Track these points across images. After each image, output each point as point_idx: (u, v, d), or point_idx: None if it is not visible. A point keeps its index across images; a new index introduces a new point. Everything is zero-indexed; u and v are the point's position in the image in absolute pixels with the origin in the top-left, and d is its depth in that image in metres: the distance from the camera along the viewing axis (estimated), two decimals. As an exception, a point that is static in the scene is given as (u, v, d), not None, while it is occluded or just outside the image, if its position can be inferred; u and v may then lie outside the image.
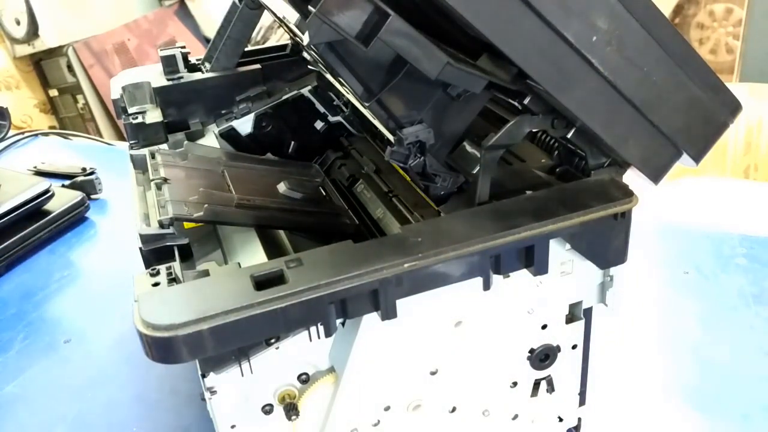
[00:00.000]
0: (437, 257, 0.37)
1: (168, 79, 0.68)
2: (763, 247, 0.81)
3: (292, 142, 0.73)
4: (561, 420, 0.52)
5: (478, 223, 0.39)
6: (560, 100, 0.39)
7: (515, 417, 0.50)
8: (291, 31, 0.57)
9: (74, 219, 0.97)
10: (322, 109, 0.73)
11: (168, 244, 0.45)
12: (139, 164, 0.60)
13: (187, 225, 0.49)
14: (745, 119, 1.58)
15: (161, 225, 0.46)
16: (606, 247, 0.42)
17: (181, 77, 0.69)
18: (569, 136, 0.43)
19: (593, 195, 0.41)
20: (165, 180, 0.51)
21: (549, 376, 0.49)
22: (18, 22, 2.23)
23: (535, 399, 0.50)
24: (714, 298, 0.74)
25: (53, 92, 2.40)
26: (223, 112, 0.71)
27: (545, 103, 0.42)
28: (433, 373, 0.44)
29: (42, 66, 2.37)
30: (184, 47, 0.71)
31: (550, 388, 0.49)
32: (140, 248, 0.45)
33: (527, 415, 0.50)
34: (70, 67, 2.28)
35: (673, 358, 0.67)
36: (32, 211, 0.92)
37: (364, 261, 0.36)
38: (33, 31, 2.22)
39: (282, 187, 0.57)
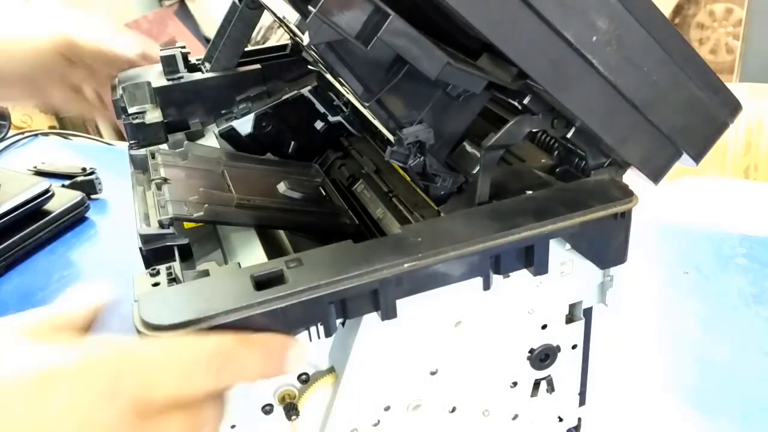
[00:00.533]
0: (437, 257, 0.37)
1: (168, 79, 0.68)
2: (763, 247, 0.81)
3: (292, 142, 0.73)
4: (561, 420, 0.52)
5: (478, 223, 0.39)
6: (560, 100, 0.39)
7: (515, 417, 0.50)
8: (291, 31, 0.57)
9: (74, 219, 0.97)
10: (322, 109, 0.73)
11: (168, 244, 0.45)
12: (139, 164, 0.60)
13: (187, 225, 0.49)
14: (745, 119, 1.58)
15: (161, 225, 0.46)
16: (606, 247, 0.42)
17: (181, 77, 0.69)
18: (569, 135, 0.43)
19: (593, 195, 0.41)
20: (165, 180, 0.51)
21: (549, 376, 0.49)
22: (18, 22, 2.24)
23: (535, 399, 0.50)
24: (714, 298, 0.74)
25: (53, 92, 2.40)
26: (223, 112, 0.71)
27: (545, 103, 0.42)
28: (433, 373, 0.44)
29: (42, 66, 2.37)
30: (184, 47, 0.71)
31: (550, 388, 0.49)
32: (140, 248, 0.45)
33: (527, 415, 0.50)
34: (70, 67, 2.28)
35: (673, 358, 0.67)
36: (32, 211, 0.92)
37: (364, 261, 0.36)
38: (33, 31, 2.22)
39: (282, 187, 0.57)
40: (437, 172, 0.45)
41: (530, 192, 0.43)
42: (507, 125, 0.42)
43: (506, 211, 0.40)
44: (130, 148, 0.63)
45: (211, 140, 0.68)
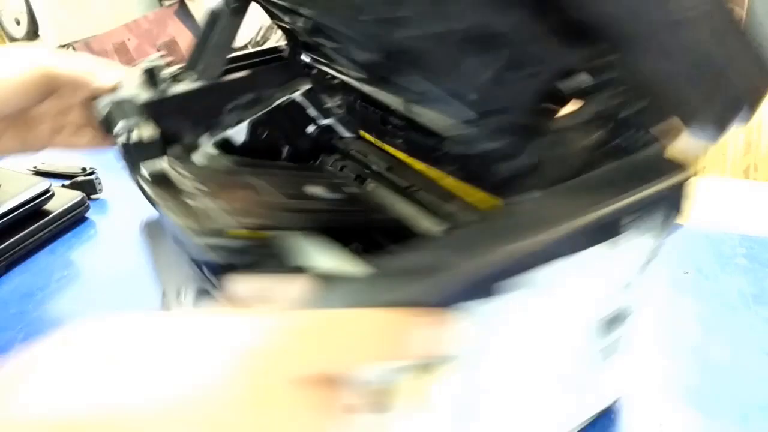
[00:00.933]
0: (552, 233, 0.36)
1: (154, 92, 0.65)
2: (763, 247, 0.81)
3: (287, 148, 0.71)
4: (616, 389, 0.54)
5: (570, 200, 0.39)
6: (650, 68, 0.40)
7: (586, 385, 0.51)
8: (292, 32, 0.57)
9: (74, 219, 0.97)
10: (314, 113, 0.72)
11: (252, 256, 0.43)
12: (158, 179, 0.56)
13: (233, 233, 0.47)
14: (745, 119, 1.58)
15: (228, 236, 0.44)
16: (673, 212, 0.43)
17: (166, 89, 0.65)
18: (633, 110, 0.43)
19: (662, 165, 0.42)
20: (205, 191, 0.50)
21: (614, 342, 0.50)
22: (18, 22, 2.24)
23: (601, 365, 0.51)
24: (714, 298, 0.74)
25: (53, 92, 2.40)
26: (215, 122, 0.68)
27: (616, 79, 0.42)
28: (529, 355, 0.45)
29: (42, 66, 2.37)
30: (165, 56, 0.67)
31: (614, 354, 0.51)
32: (210, 264, 0.43)
33: (597, 381, 0.52)
34: (70, 67, 2.27)
35: (673, 358, 0.67)
36: (32, 211, 0.92)
37: (487, 245, 0.35)
38: (33, 31, 2.22)
39: (315, 189, 0.56)
40: (503, 156, 0.45)
41: (597, 169, 0.43)
42: (580, 106, 0.42)
43: (589, 186, 0.40)
44: (130, 168, 0.59)
45: (205, 152, 0.65)
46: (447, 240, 0.37)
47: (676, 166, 0.42)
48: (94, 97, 0.65)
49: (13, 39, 2.26)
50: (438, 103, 0.45)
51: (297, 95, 0.71)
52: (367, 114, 0.69)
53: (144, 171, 0.58)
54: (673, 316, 0.72)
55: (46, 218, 0.93)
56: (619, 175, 0.42)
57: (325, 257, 0.44)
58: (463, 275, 0.34)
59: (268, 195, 0.54)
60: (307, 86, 0.72)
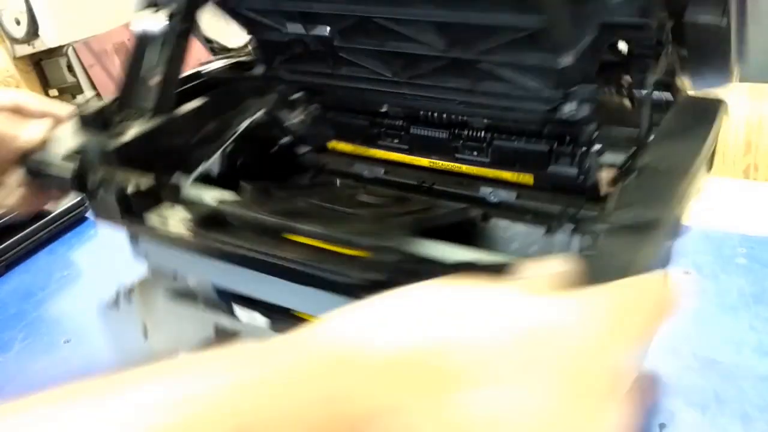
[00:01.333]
0: (696, 168, 0.39)
1: (107, 137, 0.56)
2: (763, 247, 0.81)
3: (259, 171, 0.66)
4: None
5: (678, 144, 0.41)
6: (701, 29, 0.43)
7: None
8: (276, 44, 0.56)
9: (74, 219, 0.98)
10: (280, 132, 0.69)
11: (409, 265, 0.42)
12: (209, 221, 0.50)
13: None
14: (745, 119, 1.58)
15: (396, 251, 0.42)
16: None
17: (123, 131, 0.56)
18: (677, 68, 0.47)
19: (708, 104, 0.45)
20: (295, 212, 0.48)
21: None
22: (18, 22, 2.23)
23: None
24: (714, 298, 0.74)
25: (53, 92, 2.39)
26: (185, 157, 0.61)
27: (663, 42, 0.45)
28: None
29: (42, 66, 2.37)
30: (98, 96, 0.59)
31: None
32: (356, 287, 0.41)
33: None
34: (70, 67, 2.27)
35: (673, 358, 0.67)
36: (32, 211, 0.92)
37: (664, 192, 0.37)
38: (33, 31, 2.22)
39: (365, 198, 0.56)
40: (582, 124, 0.48)
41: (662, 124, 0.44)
42: (660, 61, 0.45)
43: (677, 130, 0.43)
44: (131, 219, 0.53)
45: (196, 189, 0.58)
46: (633, 196, 0.37)
47: (719, 101, 0.44)
48: (21, 155, 0.55)
49: (13, 39, 2.26)
50: (523, 81, 0.47)
51: (260, 116, 0.66)
52: (344, 122, 0.66)
53: (177, 216, 0.52)
54: (673, 316, 0.72)
55: (46, 218, 0.93)
56: (690, 118, 0.44)
57: (463, 252, 0.44)
58: (677, 219, 0.35)
59: (345, 214, 0.52)
60: (265, 106, 0.67)
